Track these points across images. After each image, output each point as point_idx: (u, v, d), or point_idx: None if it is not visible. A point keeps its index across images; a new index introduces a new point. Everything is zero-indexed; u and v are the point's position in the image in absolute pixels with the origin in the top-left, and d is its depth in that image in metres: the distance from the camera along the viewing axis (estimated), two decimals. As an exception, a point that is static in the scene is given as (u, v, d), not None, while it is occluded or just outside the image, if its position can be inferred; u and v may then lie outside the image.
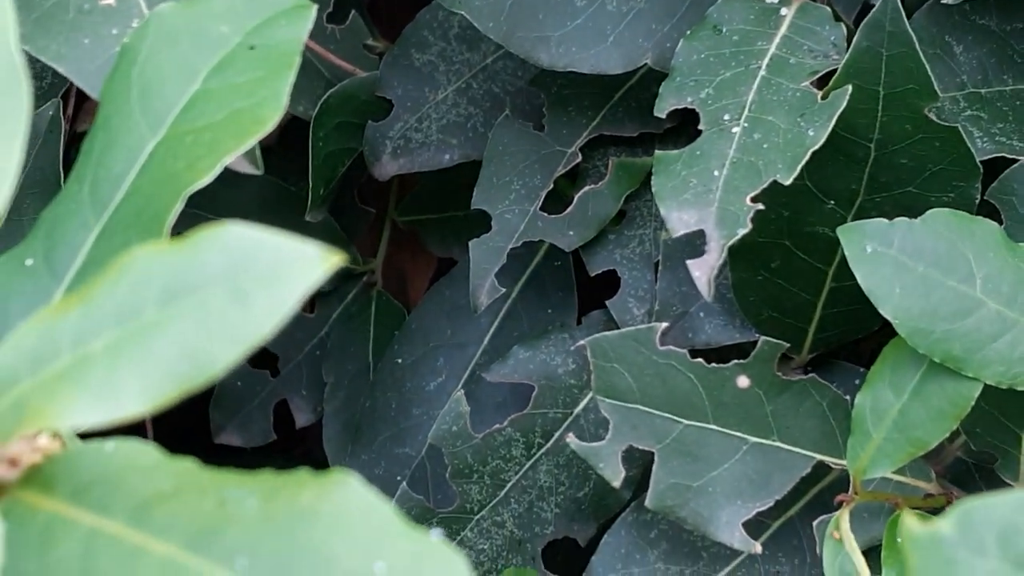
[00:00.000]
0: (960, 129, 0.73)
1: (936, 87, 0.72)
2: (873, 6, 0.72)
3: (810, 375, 0.78)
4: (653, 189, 0.71)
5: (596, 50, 0.80)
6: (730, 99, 0.73)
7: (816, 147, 0.70)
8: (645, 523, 0.83)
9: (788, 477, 0.77)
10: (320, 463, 0.98)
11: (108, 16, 0.67)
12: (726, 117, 0.72)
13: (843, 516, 0.72)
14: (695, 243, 0.70)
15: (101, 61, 0.66)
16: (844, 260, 0.70)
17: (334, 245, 0.60)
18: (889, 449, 0.70)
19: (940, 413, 0.69)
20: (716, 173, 0.70)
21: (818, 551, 0.77)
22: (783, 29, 0.76)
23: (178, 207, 0.52)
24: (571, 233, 0.86)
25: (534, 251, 0.93)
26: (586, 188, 0.87)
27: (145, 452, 0.41)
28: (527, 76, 0.89)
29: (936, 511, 0.76)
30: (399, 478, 0.92)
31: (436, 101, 0.91)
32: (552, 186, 0.87)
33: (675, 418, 0.77)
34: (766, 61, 0.74)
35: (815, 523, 0.80)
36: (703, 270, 0.68)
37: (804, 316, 0.81)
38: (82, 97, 0.95)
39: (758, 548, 0.78)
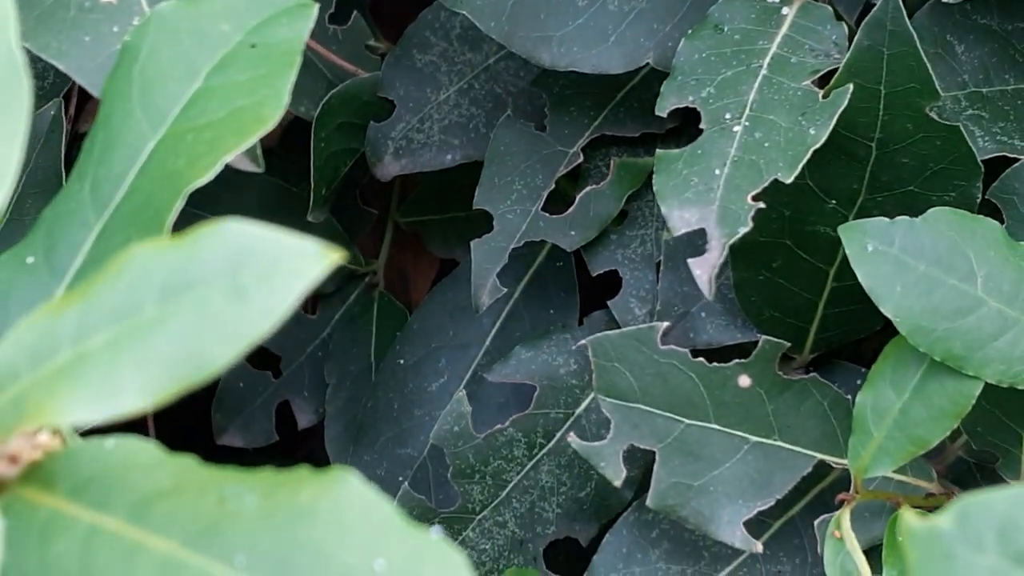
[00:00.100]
0: (961, 128, 0.73)
1: (937, 86, 0.72)
2: (874, 5, 0.72)
3: (811, 375, 0.78)
4: (654, 187, 0.71)
5: (598, 50, 0.80)
6: (731, 98, 0.73)
7: (817, 146, 0.70)
8: (647, 523, 0.83)
9: (789, 476, 0.77)
10: (322, 464, 0.98)
11: (109, 14, 0.67)
12: (727, 116, 0.72)
13: (844, 515, 0.72)
14: (696, 243, 0.70)
15: (102, 59, 0.66)
16: (845, 259, 0.70)
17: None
18: (890, 448, 0.70)
19: (941, 412, 0.69)
20: (717, 172, 0.70)
21: (819, 550, 0.77)
22: (784, 28, 0.76)
23: (179, 205, 0.52)
24: (573, 233, 0.86)
25: (536, 251, 0.93)
26: (588, 188, 0.87)
27: (145, 449, 0.41)
28: (529, 76, 0.89)
29: (937, 510, 0.76)
30: (401, 478, 0.92)
31: (438, 102, 0.91)
32: (554, 186, 0.87)
33: (676, 417, 0.77)
34: (767, 60, 0.74)
35: (816, 522, 0.79)
36: (704, 268, 0.68)
37: (805, 316, 0.81)
38: (84, 97, 0.95)
39: (759, 547, 0.78)
